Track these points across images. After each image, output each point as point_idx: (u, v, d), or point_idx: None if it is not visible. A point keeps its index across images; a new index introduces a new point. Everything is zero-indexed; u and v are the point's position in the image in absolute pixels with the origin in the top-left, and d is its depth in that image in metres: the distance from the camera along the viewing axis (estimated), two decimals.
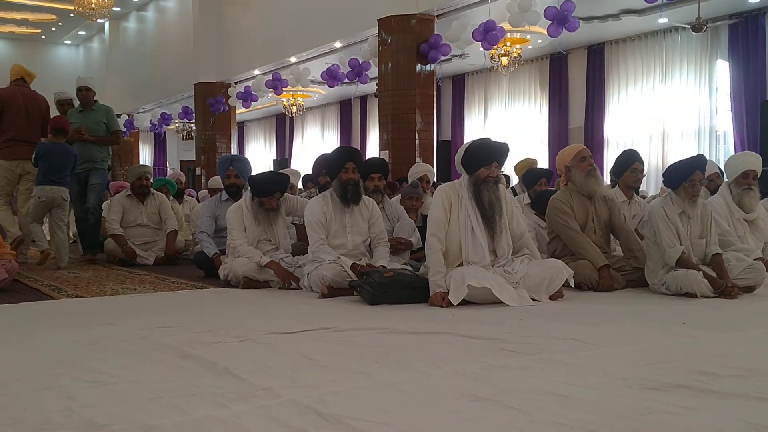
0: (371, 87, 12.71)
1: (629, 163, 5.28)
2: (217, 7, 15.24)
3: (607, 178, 8.68)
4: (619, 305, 4.04)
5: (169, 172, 20.05)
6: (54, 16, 19.39)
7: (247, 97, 14.03)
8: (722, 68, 10.89)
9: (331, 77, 12.50)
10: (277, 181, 5.18)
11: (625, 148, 6.28)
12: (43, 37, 21.58)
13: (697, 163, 4.47)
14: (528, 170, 6.70)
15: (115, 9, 18.40)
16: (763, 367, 2.49)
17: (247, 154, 21.38)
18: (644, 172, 5.55)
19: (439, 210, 4.18)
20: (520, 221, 4.40)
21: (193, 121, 16.38)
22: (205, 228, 5.85)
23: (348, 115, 18.21)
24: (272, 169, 14.80)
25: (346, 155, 4.77)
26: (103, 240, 7.27)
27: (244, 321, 3.50)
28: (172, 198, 8.04)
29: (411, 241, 5.19)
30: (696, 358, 2.61)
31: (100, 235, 7.24)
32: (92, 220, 6.98)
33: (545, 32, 9.39)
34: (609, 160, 11.59)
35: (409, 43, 9.72)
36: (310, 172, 7.84)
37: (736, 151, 10.08)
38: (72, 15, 18.02)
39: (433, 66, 9.93)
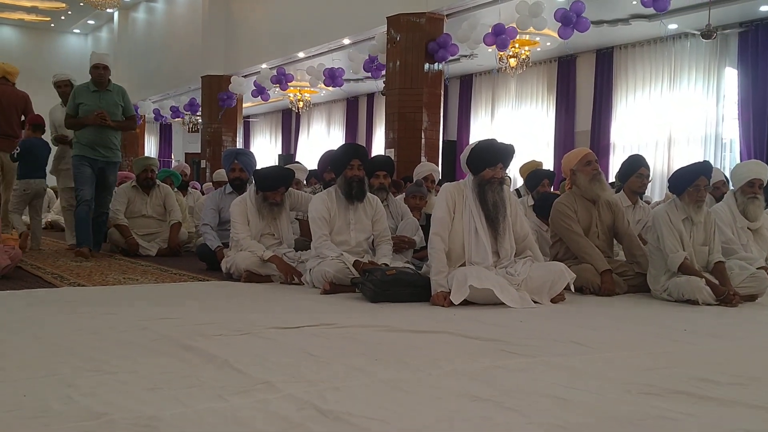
0: (378, 84, 12.71)
1: (635, 168, 5.27)
2: (226, 0, 15.24)
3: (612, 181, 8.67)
4: (620, 310, 4.04)
5: (174, 163, 20.06)
6: (64, 5, 19.41)
7: (260, 92, 14.04)
8: (730, 76, 10.86)
9: (331, 77, 12.54)
10: (282, 176, 5.18)
11: (631, 153, 6.26)
12: (53, 25, 21.61)
13: (703, 168, 4.47)
14: (531, 172, 6.71)
15: None
16: (763, 375, 2.49)
17: (253, 149, 21.38)
18: (650, 178, 5.54)
19: (443, 210, 4.18)
20: (523, 223, 4.40)
21: (199, 113, 16.40)
22: (209, 221, 5.85)
23: (354, 112, 18.20)
24: (277, 164, 14.82)
25: (352, 152, 4.77)
26: (106, 230, 7.28)
27: (245, 315, 3.50)
28: (176, 190, 8.05)
29: (414, 240, 5.19)
30: (696, 364, 2.61)
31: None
32: (102, 220, 6.67)
33: (555, 35, 9.38)
34: (615, 164, 11.58)
35: (417, 41, 9.71)
36: (316, 168, 7.84)
37: (741, 159, 10.06)
38: (81, 4, 18.06)
39: (440, 65, 9.93)
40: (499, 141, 4.31)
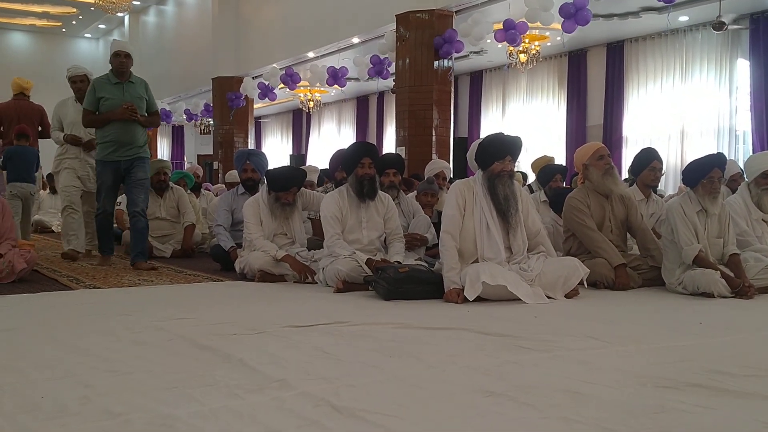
0: (388, 83, 12.72)
1: (648, 161, 5.25)
2: (236, 2, 15.29)
3: (624, 175, 8.64)
4: (635, 304, 4.02)
5: (186, 166, 20.15)
6: (75, 10, 19.55)
7: (265, 93, 14.07)
8: (743, 67, 10.77)
9: (333, 77, 12.55)
10: (294, 176, 5.20)
11: (644, 147, 6.23)
12: (64, 30, 21.77)
13: (716, 160, 4.44)
14: (543, 167, 6.69)
15: (135, 3, 18.57)
16: None
17: (264, 149, 21.44)
18: (663, 171, 5.51)
19: (453, 207, 4.17)
20: (535, 218, 4.38)
21: (211, 115, 16.46)
22: (222, 221, 5.87)
23: (365, 111, 18.21)
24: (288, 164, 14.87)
25: (363, 151, 4.77)
26: (120, 232, 7.31)
27: (259, 314, 3.52)
28: (189, 191, 8.08)
29: (426, 237, 5.18)
30: (712, 357, 2.59)
31: (118, 228, 7.29)
32: (142, 224, 5.85)
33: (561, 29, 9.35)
34: (627, 158, 11.51)
35: (426, 39, 9.70)
36: (327, 167, 7.84)
37: (755, 151, 9.97)
38: (92, 8, 18.16)
39: (448, 62, 9.90)
40: (505, 134, 4.30)
